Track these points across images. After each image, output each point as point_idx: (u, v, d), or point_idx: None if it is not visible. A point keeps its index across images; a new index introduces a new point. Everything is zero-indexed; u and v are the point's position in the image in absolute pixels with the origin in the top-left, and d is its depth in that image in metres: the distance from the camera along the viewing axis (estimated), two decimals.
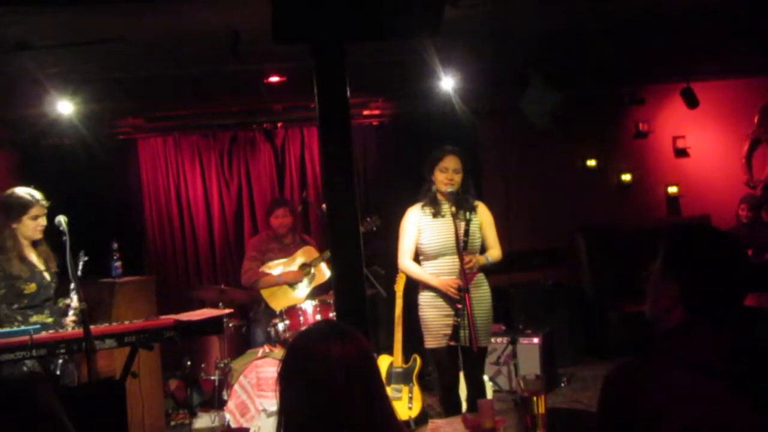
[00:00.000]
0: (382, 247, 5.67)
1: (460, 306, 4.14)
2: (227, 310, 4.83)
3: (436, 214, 4.32)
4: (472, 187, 4.42)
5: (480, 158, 7.23)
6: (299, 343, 1.82)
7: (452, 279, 4.18)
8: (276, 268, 5.70)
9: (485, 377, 4.85)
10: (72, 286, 4.02)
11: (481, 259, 4.30)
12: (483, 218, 4.39)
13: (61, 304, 4.19)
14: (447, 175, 4.26)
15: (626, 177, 7.83)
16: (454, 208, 4.21)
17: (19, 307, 3.98)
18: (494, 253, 4.39)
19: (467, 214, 4.27)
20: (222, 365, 5.44)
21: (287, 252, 5.78)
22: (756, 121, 7.81)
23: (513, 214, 7.16)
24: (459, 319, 4.15)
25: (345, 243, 2.98)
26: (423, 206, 4.38)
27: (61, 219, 3.93)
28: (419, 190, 4.45)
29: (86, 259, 4.31)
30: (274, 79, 5.88)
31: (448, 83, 6.01)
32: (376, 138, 7.50)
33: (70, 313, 4.09)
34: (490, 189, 7.05)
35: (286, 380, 1.77)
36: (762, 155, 7.86)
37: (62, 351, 3.59)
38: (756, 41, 6.00)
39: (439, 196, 4.34)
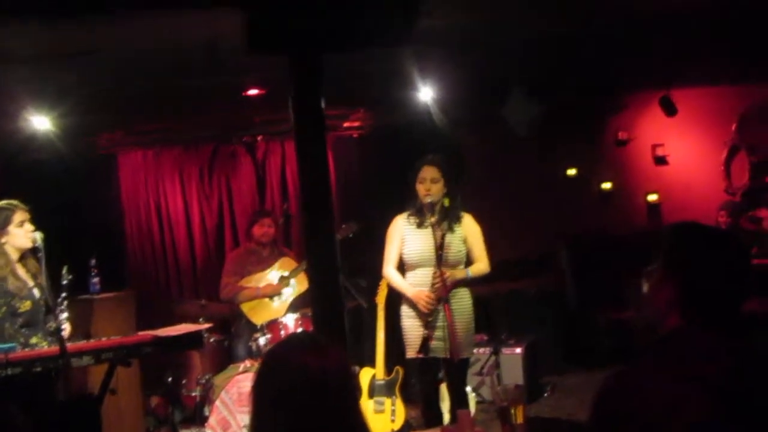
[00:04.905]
0: (363, 258, 5.65)
1: (430, 319, 4.13)
2: (207, 325, 4.79)
3: (420, 224, 4.30)
4: (460, 198, 4.40)
5: (461, 168, 7.23)
6: (275, 353, 1.80)
7: (424, 291, 4.17)
8: (255, 281, 5.66)
9: (468, 388, 4.83)
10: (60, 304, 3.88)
11: (459, 274, 4.24)
12: (468, 231, 4.35)
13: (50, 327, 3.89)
14: (425, 185, 4.25)
15: (607, 185, 7.85)
16: (433, 219, 4.20)
17: (19, 326, 3.83)
18: (479, 266, 4.35)
19: (451, 225, 4.26)
20: (204, 381, 5.39)
21: (266, 264, 5.75)
22: (734, 128, 7.87)
23: (495, 223, 7.07)
24: (428, 331, 4.14)
25: (321, 253, 2.96)
26: (409, 215, 4.38)
27: (37, 236, 3.87)
28: (401, 201, 4.44)
29: (70, 277, 4.03)
30: (253, 92, 5.87)
31: (427, 93, 6.02)
32: (357, 150, 7.48)
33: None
34: (471, 198, 7.01)
35: (260, 391, 1.72)
36: (740, 162, 7.92)
37: (38, 369, 3.52)
38: (734, 49, 6.05)
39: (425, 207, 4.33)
